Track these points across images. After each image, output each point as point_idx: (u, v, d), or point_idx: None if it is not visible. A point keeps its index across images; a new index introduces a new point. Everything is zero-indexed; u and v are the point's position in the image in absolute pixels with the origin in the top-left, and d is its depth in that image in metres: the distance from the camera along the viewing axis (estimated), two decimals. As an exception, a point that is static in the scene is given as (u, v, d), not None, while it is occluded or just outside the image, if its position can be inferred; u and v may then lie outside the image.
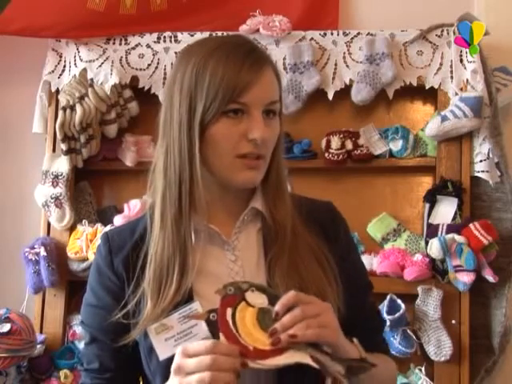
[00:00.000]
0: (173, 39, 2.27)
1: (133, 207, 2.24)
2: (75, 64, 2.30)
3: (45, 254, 2.22)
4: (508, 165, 2.14)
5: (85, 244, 2.23)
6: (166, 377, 0.94)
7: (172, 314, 0.96)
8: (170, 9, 2.31)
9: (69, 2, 2.26)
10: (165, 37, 2.28)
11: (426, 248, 2.10)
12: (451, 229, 2.08)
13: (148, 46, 2.28)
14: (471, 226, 2.06)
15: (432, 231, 2.11)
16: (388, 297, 2.07)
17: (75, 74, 2.29)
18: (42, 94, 2.35)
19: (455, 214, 2.11)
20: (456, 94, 2.14)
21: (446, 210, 2.12)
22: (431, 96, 2.24)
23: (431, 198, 2.15)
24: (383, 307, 2.06)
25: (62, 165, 2.29)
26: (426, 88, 2.19)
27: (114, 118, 2.30)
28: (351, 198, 2.25)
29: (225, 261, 1.08)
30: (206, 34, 2.19)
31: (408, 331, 2.08)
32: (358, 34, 2.21)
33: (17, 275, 2.36)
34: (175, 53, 2.25)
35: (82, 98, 2.24)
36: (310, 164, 2.24)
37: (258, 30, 2.22)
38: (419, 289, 2.08)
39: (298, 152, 2.22)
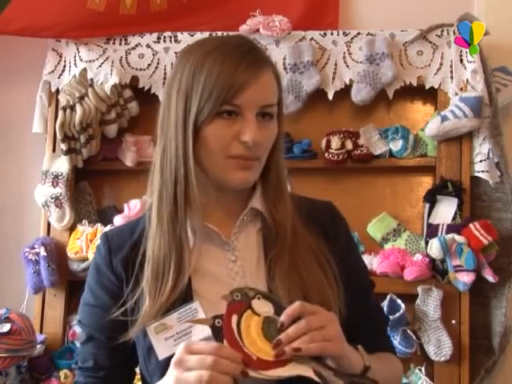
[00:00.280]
0: (173, 39, 2.27)
1: (133, 207, 2.24)
2: (75, 64, 2.30)
3: (45, 254, 2.22)
4: (508, 165, 2.14)
5: (85, 244, 2.23)
6: None
7: (171, 313, 0.96)
8: (170, 9, 2.31)
9: (69, 1, 2.26)
10: (165, 37, 2.28)
11: (426, 248, 2.09)
12: (451, 229, 2.08)
13: (148, 46, 2.28)
14: (471, 225, 2.06)
15: (432, 231, 2.11)
16: (388, 297, 2.07)
17: (75, 74, 2.29)
18: (42, 94, 2.35)
19: (455, 213, 2.11)
20: (456, 94, 2.14)
21: (445, 210, 2.12)
22: (431, 96, 2.24)
23: (431, 198, 2.15)
24: (383, 307, 2.06)
25: (62, 165, 2.29)
26: (426, 88, 2.19)
27: (114, 118, 2.30)
28: (351, 198, 2.25)
29: (224, 261, 1.07)
30: (205, 34, 2.19)
31: (408, 331, 2.08)
32: (358, 33, 2.21)
33: (17, 275, 2.36)
34: (175, 53, 2.25)
35: (81, 97, 2.24)
36: (310, 164, 2.24)
37: (258, 30, 2.22)
38: (419, 289, 2.08)
39: (298, 152, 2.22)
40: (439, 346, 2.05)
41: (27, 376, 2.19)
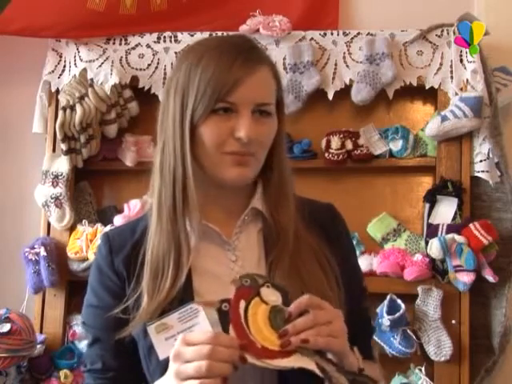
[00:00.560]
0: (173, 39, 2.27)
1: (133, 207, 2.24)
2: (75, 64, 2.30)
3: (45, 254, 2.22)
4: (508, 165, 2.14)
5: (85, 244, 2.23)
6: None
7: (172, 313, 0.96)
8: (170, 9, 2.31)
9: (69, 1, 2.26)
10: (165, 37, 2.28)
11: (426, 248, 2.09)
12: (451, 229, 2.08)
13: (148, 45, 2.28)
14: (471, 225, 2.06)
15: (432, 231, 2.11)
16: (388, 297, 2.07)
17: (75, 74, 2.29)
18: (42, 94, 2.35)
19: (455, 213, 2.11)
20: (456, 94, 2.14)
21: (445, 210, 2.12)
22: (431, 96, 2.24)
23: (431, 198, 2.15)
24: (383, 307, 2.06)
25: (62, 165, 2.29)
26: (426, 88, 2.19)
27: (114, 118, 2.30)
28: (351, 198, 2.25)
29: (225, 261, 1.07)
30: (205, 34, 2.19)
31: (408, 331, 2.08)
32: (358, 33, 2.21)
33: (17, 275, 2.36)
34: (175, 53, 2.25)
35: (81, 98, 2.24)
36: (310, 164, 2.24)
37: (258, 30, 2.22)
38: (419, 289, 2.08)
39: (298, 152, 2.22)
40: (439, 346, 2.05)
41: (27, 376, 2.19)
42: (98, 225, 2.28)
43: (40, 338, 2.21)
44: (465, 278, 2.02)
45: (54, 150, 2.33)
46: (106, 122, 2.31)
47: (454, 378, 2.07)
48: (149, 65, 2.28)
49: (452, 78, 2.16)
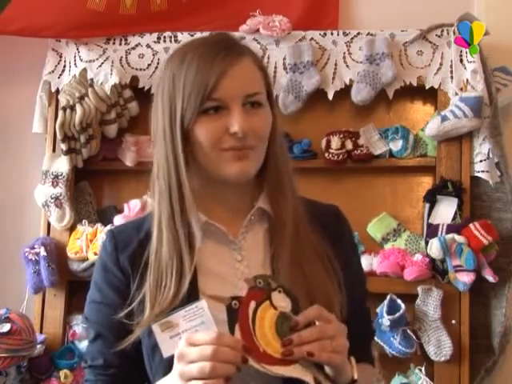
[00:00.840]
0: (173, 39, 2.27)
1: (133, 207, 2.24)
2: (75, 64, 2.30)
3: (45, 254, 2.22)
4: (508, 165, 2.14)
5: (85, 244, 2.23)
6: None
7: (178, 311, 0.96)
8: (170, 9, 2.31)
9: (69, 1, 2.26)
10: (165, 37, 2.28)
11: (426, 248, 2.09)
12: (451, 229, 2.08)
13: (148, 46, 2.28)
14: (471, 226, 2.06)
15: (432, 231, 2.11)
16: (388, 297, 2.07)
17: (75, 74, 2.29)
18: (42, 94, 2.35)
19: (455, 213, 2.11)
20: (456, 94, 2.14)
21: (445, 210, 2.12)
22: (431, 96, 2.24)
23: (431, 198, 2.15)
24: (383, 307, 2.06)
25: (62, 165, 2.29)
26: (426, 88, 2.19)
27: (114, 118, 2.30)
28: (351, 198, 2.24)
29: (230, 260, 1.07)
30: (205, 34, 2.19)
31: (408, 331, 2.08)
32: (358, 33, 2.21)
33: (17, 275, 2.36)
34: (175, 53, 2.24)
35: (82, 98, 2.24)
36: (310, 164, 2.24)
37: (258, 30, 2.22)
38: (419, 289, 2.08)
39: (298, 152, 2.22)
40: (439, 346, 2.05)
41: (27, 376, 2.19)
42: (98, 225, 2.28)
43: (40, 337, 2.21)
44: (465, 278, 2.02)
45: (54, 150, 2.33)
46: (106, 122, 2.31)
47: (453, 378, 2.07)
48: (149, 65, 2.28)
49: (452, 77, 2.16)
